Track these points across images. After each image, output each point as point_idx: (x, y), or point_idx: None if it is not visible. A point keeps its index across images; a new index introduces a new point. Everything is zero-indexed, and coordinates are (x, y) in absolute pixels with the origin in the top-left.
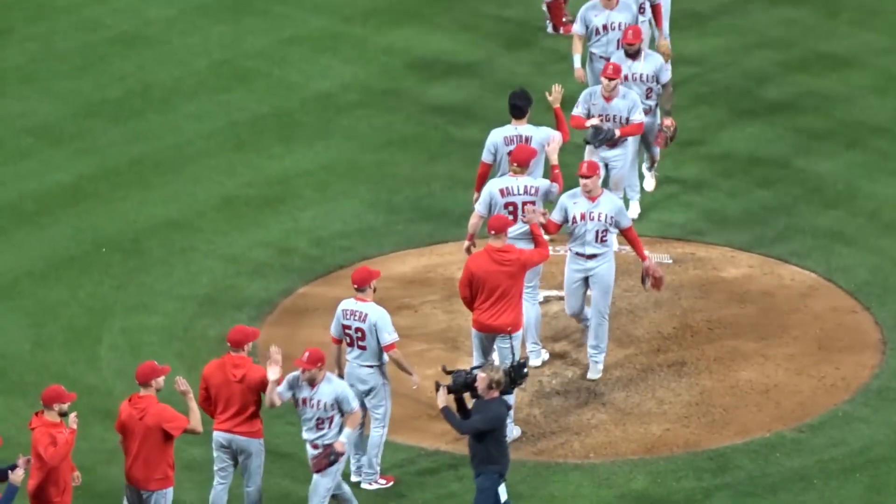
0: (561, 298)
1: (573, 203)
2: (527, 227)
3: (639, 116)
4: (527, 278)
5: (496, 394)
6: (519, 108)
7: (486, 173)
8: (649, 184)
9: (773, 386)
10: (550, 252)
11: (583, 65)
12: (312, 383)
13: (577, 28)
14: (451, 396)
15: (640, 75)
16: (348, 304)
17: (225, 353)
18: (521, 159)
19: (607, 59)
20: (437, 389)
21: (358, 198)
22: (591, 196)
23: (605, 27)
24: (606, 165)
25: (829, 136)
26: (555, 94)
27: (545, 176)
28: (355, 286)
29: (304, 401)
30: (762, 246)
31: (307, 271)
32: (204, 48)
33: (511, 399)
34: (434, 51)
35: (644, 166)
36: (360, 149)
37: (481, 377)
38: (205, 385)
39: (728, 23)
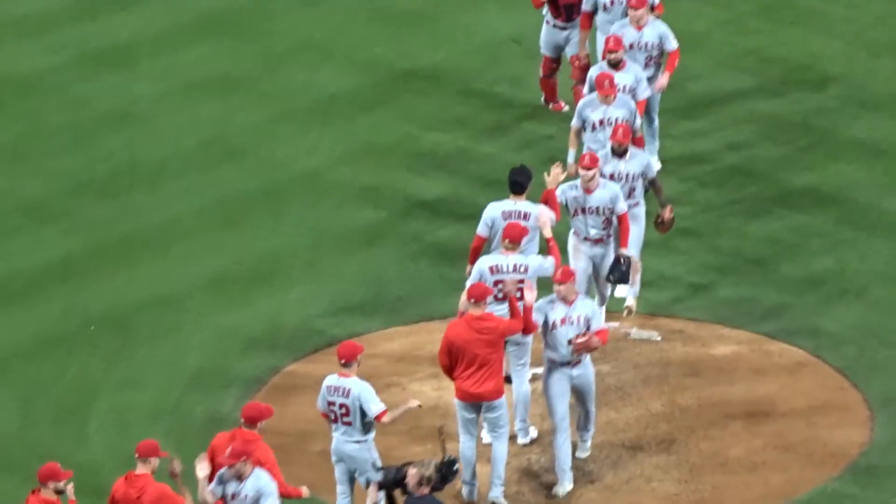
0: None
1: (551, 308)
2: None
3: (623, 206)
4: (517, 356)
5: (426, 490)
6: (519, 184)
7: (481, 247)
8: (630, 302)
9: (762, 463)
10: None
11: (577, 160)
12: (240, 477)
13: (573, 122)
14: (383, 493)
15: (627, 174)
16: (332, 380)
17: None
18: (513, 236)
19: None
20: (367, 486)
21: (346, 275)
22: (568, 301)
23: (601, 122)
24: (594, 262)
25: (819, 214)
26: (553, 175)
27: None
28: (342, 361)
29: (233, 496)
30: (751, 323)
31: (296, 349)
32: (192, 126)
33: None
34: (419, 130)
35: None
36: (348, 226)
37: (412, 473)
38: (212, 455)
39: (720, 108)
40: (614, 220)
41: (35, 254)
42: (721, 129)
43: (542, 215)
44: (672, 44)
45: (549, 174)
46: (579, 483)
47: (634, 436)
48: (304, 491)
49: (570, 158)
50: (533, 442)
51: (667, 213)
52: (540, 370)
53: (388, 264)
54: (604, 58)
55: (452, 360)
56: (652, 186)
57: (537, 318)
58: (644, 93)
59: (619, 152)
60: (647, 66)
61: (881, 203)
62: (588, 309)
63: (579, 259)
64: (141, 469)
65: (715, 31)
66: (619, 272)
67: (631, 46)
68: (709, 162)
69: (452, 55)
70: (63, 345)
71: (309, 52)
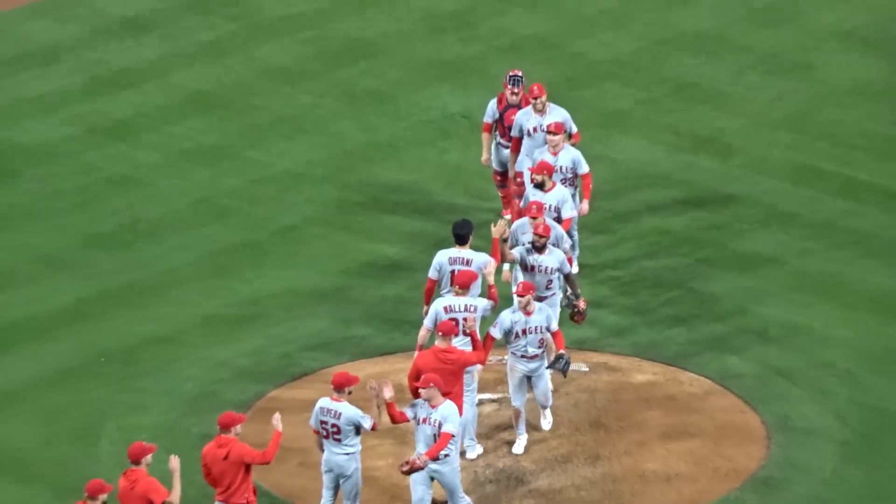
0: (493, 401)
1: (420, 407)
2: (466, 339)
3: (555, 325)
4: (465, 382)
5: None
6: (461, 235)
7: (433, 288)
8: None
9: (675, 475)
10: (487, 359)
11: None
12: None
13: (508, 242)
14: None
15: (546, 268)
16: (325, 402)
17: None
18: (462, 282)
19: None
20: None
21: (319, 316)
22: (431, 404)
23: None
24: (529, 379)
25: (724, 268)
26: (499, 226)
27: (482, 294)
28: (333, 387)
29: None
30: (665, 356)
31: (277, 377)
32: (186, 188)
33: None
34: (381, 193)
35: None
36: (320, 274)
37: None
38: (204, 463)
39: (640, 176)
40: (548, 336)
41: (52, 298)
42: (639, 194)
43: (489, 265)
44: (584, 167)
45: (494, 224)
46: (519, 491)
47: (566, 452)
48: (276, 419)
49: (507, 267)
50: (479, 457)
51: (581, 304)
52: (486, 395)
53: (355, 307)
54: (531, 181)
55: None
56: (567, 280)
57: (408, 413)
58: (568, 212)
59: (538, 246)
60: (563, 185)
61: (779, 255)
62: (443, 414)
63: (515, 377)
64: (136, 468)
65: (636, 109)
66: (564, 362)
67: None
68: (628, 221)
69: (409, 128)
70: (77, 375)
71: (285, 125)
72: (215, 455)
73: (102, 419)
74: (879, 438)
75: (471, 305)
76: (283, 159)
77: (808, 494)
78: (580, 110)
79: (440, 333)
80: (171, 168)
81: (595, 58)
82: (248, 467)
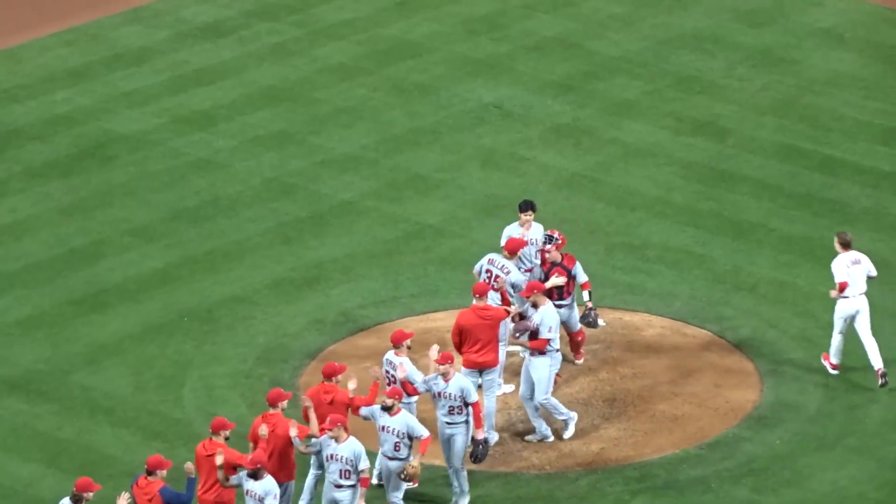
0: (523, 356)
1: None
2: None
3: (474, 396)
4: (486, 384)
5: None
6: (522, 207)
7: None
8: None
9: (681, 415)
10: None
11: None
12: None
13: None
14: None
15: (450, 395)
16: (389, 355)
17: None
18: (509, 248)
19: None
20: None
21: (373, 279)
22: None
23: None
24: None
25: (719, 231)
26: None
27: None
28: (392, 343)
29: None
30: (671, 312)
31: (336, 333)
32: (258, 169)
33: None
34: (427, 171)
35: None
36: (374, 242)
37: None
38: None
39: (636, 156)
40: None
41: (143, 264)
42: (647, 171)
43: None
44: (473, 397)
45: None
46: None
47: (586, 396)
48: (375, 371)
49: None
50: (504, 394)
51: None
52: (516, 348)
53: (405, 270)
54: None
55: (462, 339)
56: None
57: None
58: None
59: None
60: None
61: (767, 223)
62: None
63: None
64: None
65: (643, 99)
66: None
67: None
68: (637, 194)
69: (449, 116)
70: (164, 331)
71: (343, 115)
72: (320, 399)
73: (186, 369)
74: (857, 379)
75: (506, 267)
76: (341, 144)
77: (797, 430)
78: (595, 100)
79: (476, 295)
80: (246, 152)
81: (608, 55)
82: (348, 409)
